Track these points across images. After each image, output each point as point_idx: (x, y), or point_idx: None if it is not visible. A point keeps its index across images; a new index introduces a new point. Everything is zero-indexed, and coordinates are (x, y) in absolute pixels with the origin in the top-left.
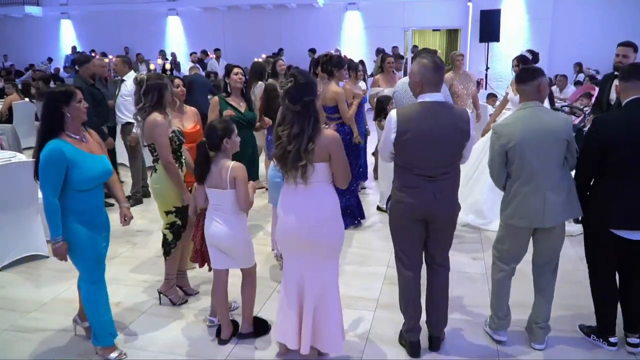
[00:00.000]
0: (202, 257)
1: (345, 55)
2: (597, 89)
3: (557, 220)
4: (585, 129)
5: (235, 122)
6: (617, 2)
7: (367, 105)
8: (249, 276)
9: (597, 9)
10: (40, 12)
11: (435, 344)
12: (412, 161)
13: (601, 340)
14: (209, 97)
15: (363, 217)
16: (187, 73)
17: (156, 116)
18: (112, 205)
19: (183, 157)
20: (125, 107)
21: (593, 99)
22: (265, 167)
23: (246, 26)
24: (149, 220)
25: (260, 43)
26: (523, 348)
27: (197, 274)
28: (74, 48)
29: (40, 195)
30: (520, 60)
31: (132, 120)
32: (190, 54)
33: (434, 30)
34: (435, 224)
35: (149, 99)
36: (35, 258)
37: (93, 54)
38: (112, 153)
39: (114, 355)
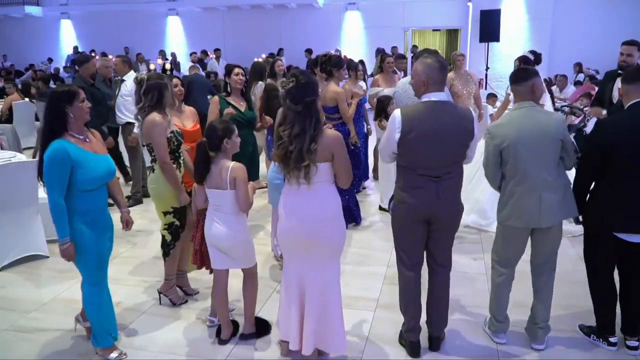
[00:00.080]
0: (201, 257)
1: (345, 56)
2: (597, 88)
3: (554, 220)
4: (586, 129)
5: (235, 121)
6: (617, 2)
7: (367, 105)
8: (250, 276)
9: (597, 9)
10: (40, 12)
11: (435, 344)
12: (416, 161)
13: (601, 340)
14: (208, 97)
15: (360, 220)
16: (187, 73)
17: (155, 116)
18: (112, 205)
19: (181, 158)
20: (125, 107)
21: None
22: (267, 166)
23: (246, 26)
24: (149, 220)
25: (260, 43)
26: (523, 348)
27: (197, 275)
28: (75, 48)
29: (40, 195)
30: (522, 60)
31: (132, 120)
32: (190, 54)
33: (434, 30)
34: (438, 224)
35: (149, 99)
36: (35, 258)
37: (93, 54)
38: (117, 153)
39: (113, 355)
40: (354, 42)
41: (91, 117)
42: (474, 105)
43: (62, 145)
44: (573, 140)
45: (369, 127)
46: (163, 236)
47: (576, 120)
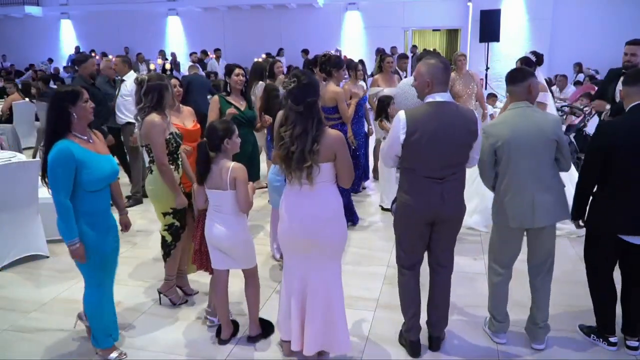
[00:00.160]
0: (201, 258)
1: (345, 56)
2: (597, 88)
3: (548, 221)
4: (586, 129)
5: (236, 120)
6: (617, 2)
7: (367, 105)
8: (251, 277)
9: (597, 9)
10: (40, 12)
11: (435, 344)
12: (420, 162)
13: (601, 340)
14: (208, 97)
15: (357, 220)
16: (186, 73)
17: (154, 117)
18: (112, 206)
19: (180, 160)
20: (125, 107)
21: None
22: (267, 166)
23: (246, 26)
24: (149, 220)
25: (260, 43)
26: (523, 348)
27: (196, 276)
28: (77, 48)
29: (40, 195)
30: (524, 62)
31: (132, 120)
32: (190, 54)
33: (434, 30)
34: (441, 225)
35: (149, 100)
36: (35, 258)
37: (93, 54)
38: (121, 152)
39: (114, 355)
40: (354, 42)
41: None
42: (475, 105)
43: (67, 145)
44: (573, 140)
45: (370, 127)
46: (163, 237)
47: (576, 120)
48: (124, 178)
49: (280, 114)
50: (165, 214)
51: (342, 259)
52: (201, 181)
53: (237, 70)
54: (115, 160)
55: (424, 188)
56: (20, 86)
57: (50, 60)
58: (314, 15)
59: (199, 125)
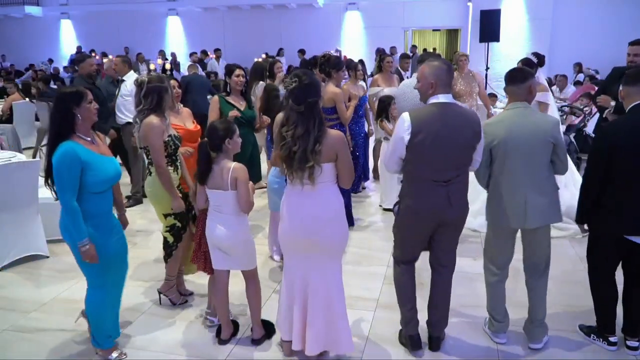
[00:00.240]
0: (201, 258)
1: (345, 56)
2: (597, 88)
3: (540, 222)
4: (586, 129)
5: (236, 120)
6: (617, 2)
7: (366, 105)
8: (251, 279)
9: (597, 9)
10: (40, 12)
11: (435, 344)
12: (424, 163)
13: (601, 340)
14: (208, 97)
15: (352, 224)
16: (186, 73)
17: (152, 119)
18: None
19: (178, 161)
20: (125, 107)
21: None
22: (268, 167)
23: (246, 26)
24: (149, 220)
25: (260, 43)
26: (523, 348)
27: (196, 277)
28: (79, 48)
29: (40, 195)
30: (525, 63)
31: (132, 120)
32: (190, 54)
33: (434, 30)
34: (445, 227)
35: (149, 102)
36: (35, 258)
37: (93, 54)
38: (122, 152)
39: (114, 355)
40: (354, 42)
41: None
42: (479, 105)
43: (72, 146)
44: (573, 140)
45: (370, 127)
46: (165, 238)
47: (576, 120)
48: (124, 177)
49: (279, 115)
50: (166, 215)
51: (342, 259)
52: (202, 181)
53: (237, 71)
54: (118, 160)
55: (429, 192)
56: (20, 86)
57: (51, 61)
58: (314, 15)
59: (199, 126)
